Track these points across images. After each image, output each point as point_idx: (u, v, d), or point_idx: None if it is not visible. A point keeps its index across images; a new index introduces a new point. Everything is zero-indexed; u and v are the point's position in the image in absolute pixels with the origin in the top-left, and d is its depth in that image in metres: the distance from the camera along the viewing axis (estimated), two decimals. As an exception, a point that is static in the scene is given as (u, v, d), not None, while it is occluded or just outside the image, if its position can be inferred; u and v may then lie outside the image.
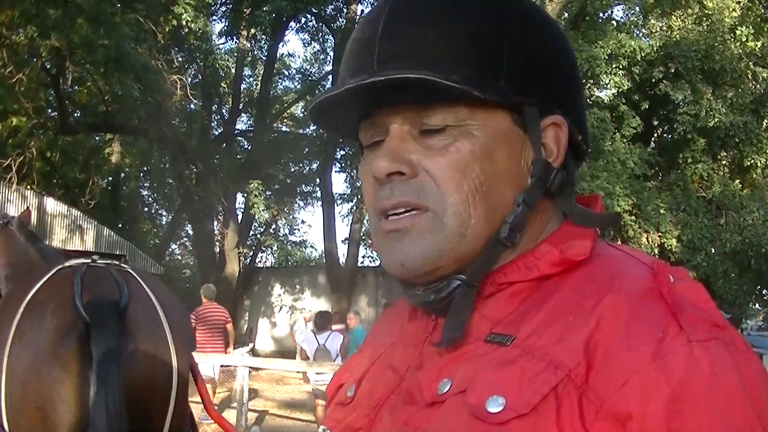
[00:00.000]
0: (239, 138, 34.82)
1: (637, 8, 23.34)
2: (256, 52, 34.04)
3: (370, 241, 33.47)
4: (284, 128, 38.46)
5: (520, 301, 1.05)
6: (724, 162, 22.83)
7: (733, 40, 21.33)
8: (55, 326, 3.55)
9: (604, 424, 0.87)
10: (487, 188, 1.05)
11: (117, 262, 4.21)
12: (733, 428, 0.85)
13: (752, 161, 21.40)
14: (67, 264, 4.03)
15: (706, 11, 21.85)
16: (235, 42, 31.65)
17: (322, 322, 12.68)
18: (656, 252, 19.86)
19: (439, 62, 1.02)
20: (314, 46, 36.78)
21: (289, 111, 39.05)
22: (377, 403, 1.13)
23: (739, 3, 22.05)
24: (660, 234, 20.27)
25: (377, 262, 33.82)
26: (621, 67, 20.35)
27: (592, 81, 20.57)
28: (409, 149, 1.06)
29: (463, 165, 1.04)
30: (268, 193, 30.98)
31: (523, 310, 1.03)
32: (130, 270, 4.11)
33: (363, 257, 34.44)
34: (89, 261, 4.07)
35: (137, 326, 3.71)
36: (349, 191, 35.87)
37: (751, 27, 21.73)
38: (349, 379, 1.26)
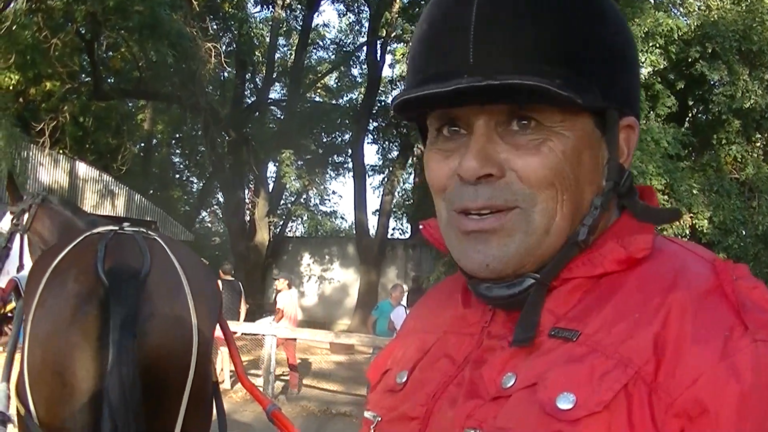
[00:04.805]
0: (272, 107, 34.83)
1: (676, -14, 23.02)
2: (291, 22, 33.95)
3: (400, 213, 33.52)
4: (317, 98, 38.43)
5: (581, 296, 1.05)
6: (758, 144, 22.49)
7: (772, 21, 21.00)
8: (76, 292, 3.56)
9: (675, 421, 0.88)
10: (574, 188, 1.05)
11: (144, 230, 4.20)
12: None
13: (787, 144, 21.16)
14: (95, 231, 4.04)
15: (745, -9, 21.52)
16: (271, 11, 31.66)
17: (414, 298, 13.01)
18: (687, 233, 19.70)
19: (538, 62, 1.00)
20: (349, 17, 36.59)
21: (322, 81, 39.01)
22: (434, 393, 1.11)
23: (779, -17, 21.69)
24: (692, 215, 20.05)
25: (407, 235, 33.86)
26: (657, 45, 20.04)
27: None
28: (497, 149, 1.04)
29: (555, 164, 1.02)
30: (299, 162, 30.97)
31: (586, 306, 1.03)
32: (156, 237, 4.10)
33: (393, 229, 34.50)
34: (117, 228, 4.08)
35: (157, 293, 3.69)
36: (381, 163, 35.87)
37: (791, 8, 21.38)
38: (397, 365, 1.24)
